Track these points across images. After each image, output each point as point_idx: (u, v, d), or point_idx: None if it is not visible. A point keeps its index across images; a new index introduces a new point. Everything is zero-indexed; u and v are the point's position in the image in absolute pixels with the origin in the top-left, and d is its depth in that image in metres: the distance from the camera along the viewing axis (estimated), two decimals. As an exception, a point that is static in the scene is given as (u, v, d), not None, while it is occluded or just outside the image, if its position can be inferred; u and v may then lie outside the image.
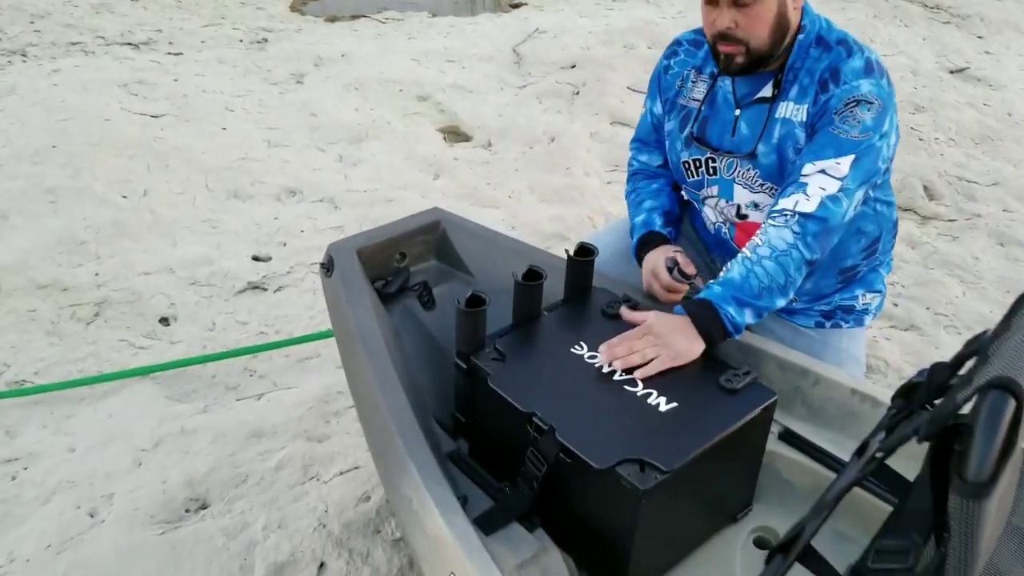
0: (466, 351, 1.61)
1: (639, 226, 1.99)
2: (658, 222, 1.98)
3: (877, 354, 2.61)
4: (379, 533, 1.95)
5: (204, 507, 2.05)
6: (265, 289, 2.88)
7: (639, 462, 1.38)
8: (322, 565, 1.88)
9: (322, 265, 1.87)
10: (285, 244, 3.09)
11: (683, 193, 2.07)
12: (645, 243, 1.95)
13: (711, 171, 1.89)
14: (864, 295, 1.97)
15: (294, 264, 2.99)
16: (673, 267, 1.82)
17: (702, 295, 1.65)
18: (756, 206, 1.86)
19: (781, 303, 1.69)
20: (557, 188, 3.50)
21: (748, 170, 1.82)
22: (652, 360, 1.55)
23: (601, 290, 1.81)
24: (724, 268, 1.69)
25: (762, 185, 1.82)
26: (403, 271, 1.94)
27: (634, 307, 1.73)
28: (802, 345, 1.94)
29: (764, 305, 1.66)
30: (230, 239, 3.10)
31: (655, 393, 1.54)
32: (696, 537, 1.60)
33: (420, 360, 1.86)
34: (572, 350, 1.63)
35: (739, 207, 1.89)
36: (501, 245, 1.99)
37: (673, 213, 2.03)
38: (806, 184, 1.66)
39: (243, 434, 2.24)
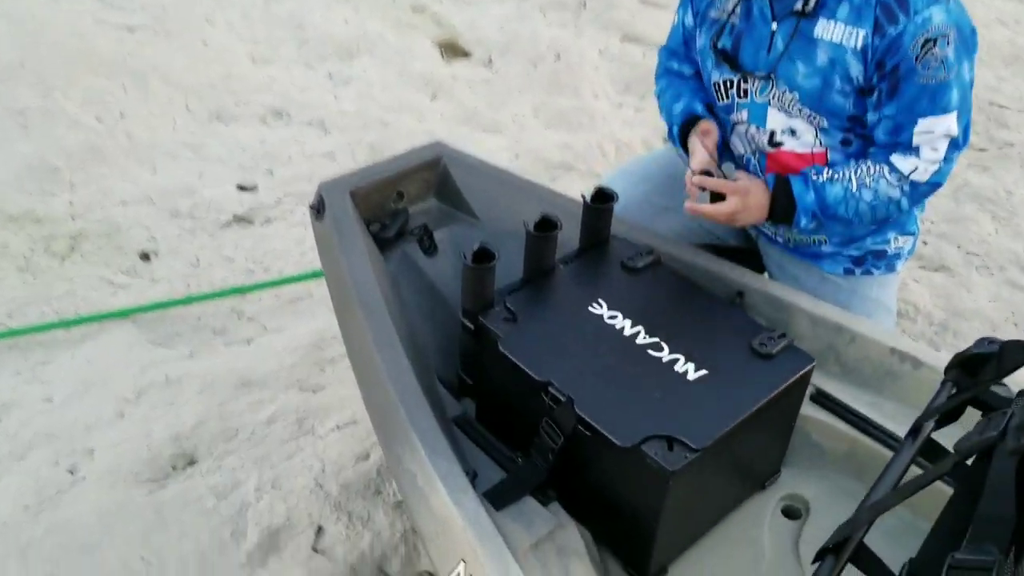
0: (473, 310, 1.46)
1: (680, 113, 1.83)
2: (700, 108, 1.82)
3: (906, 298, 2.46)
4: (380, 495, 1.83)
5: (192, 463, 1.93)
6: (251, 222, 2.70)
7: (667, 439, 1.26)
8: (320, 529, 1.76)
9: (312, 207, 1.71)
10: (272, 172, 2.90)
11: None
12: (689, 128, 1.81)
13: (742, 94, 1.73)
14: (897, 238, 1.82)
15: (282, 195, 2.80)
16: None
17: (795, 190, 1.65)
18: (793, 133, 1.70)
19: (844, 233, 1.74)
20: (564, 111, 3.28)
21: (785, 93, 1.67)
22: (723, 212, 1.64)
23: (621, 240, 1.64)
24: (829, 170, 1.65)
25: (800, 111, 1.66)
26: (401, 213, 1.79)
27: (655, 261, 1.58)
28: (829, 294, 1.82)
29: (830, 230, 1.73)
30: (213, 166, 2.90)
31: (682, 359, 1.40)
32: (724, 508, 1.49)
33: (421, 312, 1.72)
34: (590, 309, 1.48)
35: (772, 134, 1.73)
36: (508, 184, 1.83)
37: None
38: (919, 148, 1.60)
39: (232, 383, 2.10)
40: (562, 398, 1.31)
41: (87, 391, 2.09)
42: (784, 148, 1.73)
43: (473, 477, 1.36)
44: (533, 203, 1.80)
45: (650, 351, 1.41)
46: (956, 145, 1.60)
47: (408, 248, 1.78)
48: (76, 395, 2.08)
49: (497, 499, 1.36)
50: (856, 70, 1.57)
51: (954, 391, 1.28)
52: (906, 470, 1.20)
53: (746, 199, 1.64)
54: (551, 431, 1.36)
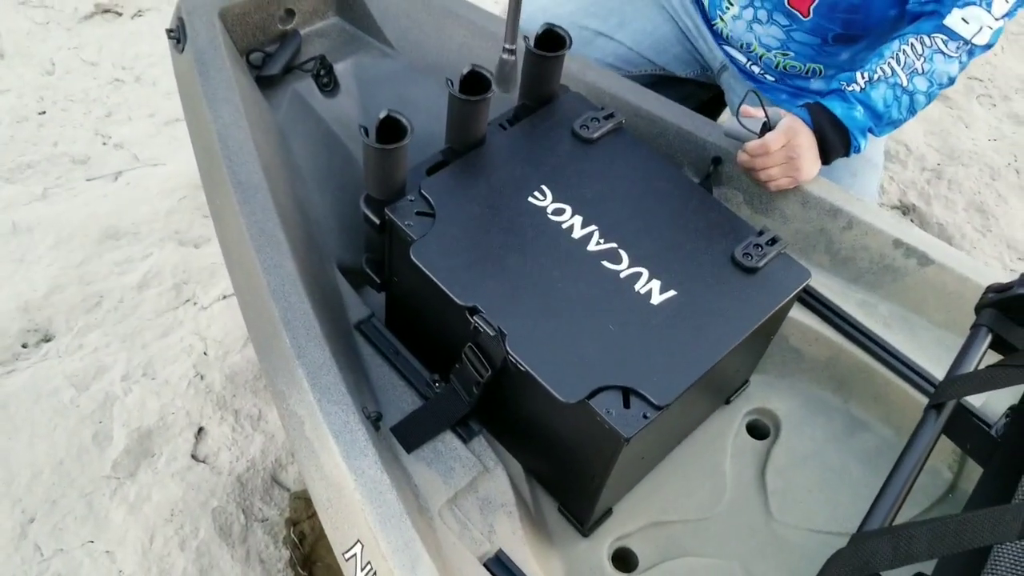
0: (379, 198, 1.10)
1: None
2: None
3: (895, 136, 2.13)
4: (273, 387, 1.54)
5: (46, 340, 1.60)
6: (120, 14, 2.19)
7: (622, 391, 0.97)
8: (200, 431, 1.48)
9: (169, 32, 1.28)
10: (145, -54, 2.33)
11: None
12: None
13: None
14: None
15: (158, -22, 2.27)
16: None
17: (838, 114, 1.29)
18: None
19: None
20: None
21: None
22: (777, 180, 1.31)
23: (573, 96, 1.26)
24: (863, 73, 1.30)
25: None
26: (291, 38, 1.41)
27: (616, 127, 1.21)
28: None
29: (886, 134, 1.40)
30: (69, -65, 2.31)
31: (645, 274, 1.08)
32: (682, 435, 1.26)
33: (318, 173, 1.36)
34: (531, 200, 1.13)
35: None
36: (435, 3, 1.41)
37: None
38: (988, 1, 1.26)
39: (95, 234, 1.73)
40: (491, 332, 1.01)
41: (-87, 242, 1.70)
42: None
43: (377, 419, 1.08)
44: (465, 32, 1.39)
45: (605, 263, 1.09)
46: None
47: (301, 87, 1.40)
48: (-101, 247, 1.69)
49: (408, 438, 1.12)
50: None
51: (990, 339, 1.01)
52: (929, 453, 0.95)
53: (803, 140, 1.29)
54: (477, 361, 1.07)
